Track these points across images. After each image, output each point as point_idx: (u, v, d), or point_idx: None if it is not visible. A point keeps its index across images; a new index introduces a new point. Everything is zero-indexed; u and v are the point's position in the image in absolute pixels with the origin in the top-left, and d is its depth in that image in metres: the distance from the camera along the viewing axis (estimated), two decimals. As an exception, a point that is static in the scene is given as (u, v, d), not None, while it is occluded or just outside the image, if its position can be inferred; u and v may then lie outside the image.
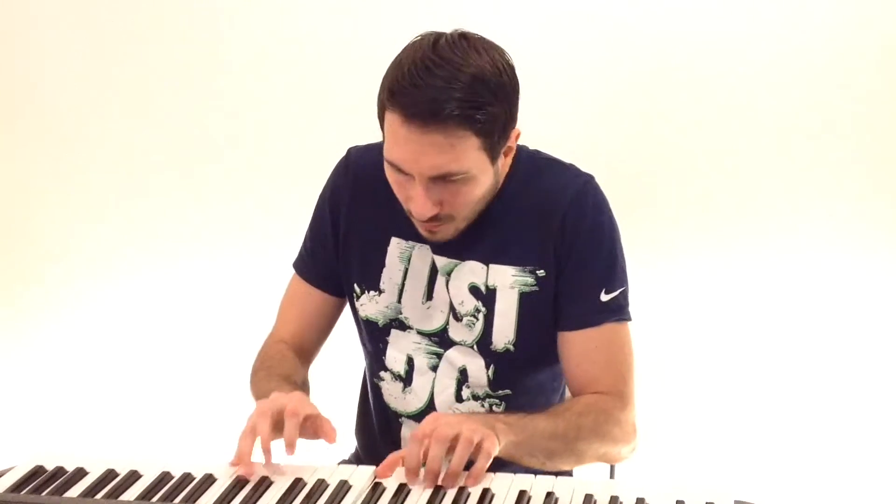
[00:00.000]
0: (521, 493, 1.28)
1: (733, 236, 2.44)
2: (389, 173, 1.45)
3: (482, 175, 1.42)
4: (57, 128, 2.70)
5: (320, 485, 1.33)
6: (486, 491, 1.29)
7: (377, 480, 1.33)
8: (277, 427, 1.36)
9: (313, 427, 1.39)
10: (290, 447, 1.34)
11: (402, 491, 1.30)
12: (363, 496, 1.30)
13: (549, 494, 1.28)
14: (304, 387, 1.57)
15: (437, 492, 1.30)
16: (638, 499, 1.26)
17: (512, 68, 1.42)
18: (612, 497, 1.26)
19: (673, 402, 2.45)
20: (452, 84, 1.33)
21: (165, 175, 2.67)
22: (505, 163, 1.48)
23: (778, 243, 2.42)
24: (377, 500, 1.29)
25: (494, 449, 1.32)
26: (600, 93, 2.42)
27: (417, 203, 1.41)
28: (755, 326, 2.45)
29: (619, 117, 2.42)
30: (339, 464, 1.52)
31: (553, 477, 1.32)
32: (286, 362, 1.60)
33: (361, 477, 1.34)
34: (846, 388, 2.43)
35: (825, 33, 2.31)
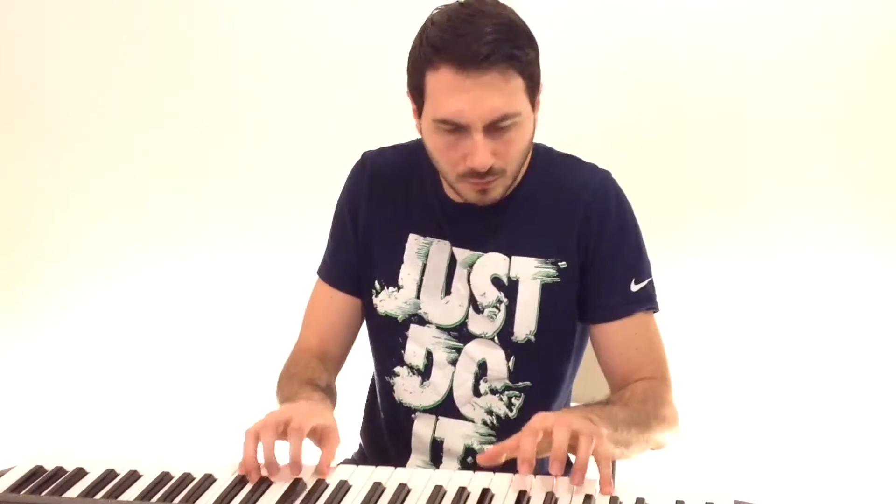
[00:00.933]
0: (521, 493, 1.28)
1: (730, 236, 2.44)
2: (438, 138, 1.46)
3: (528, 121, 1.47)
4: (57, 128, 2.70)
5: (320, 485, 1.33)
6: (486, 491, 1.29)
7: (376, 480, 1.33)
8: (283, 438, 1.36)
9: (319, 437, 1.39)
10: (295, 466, 1.33)
11: (402, 491, 1.31)
12: (363, 496, 1.30)
13: (548, 494, 1.28)
14: (328, 390, 1.58)
15: (438, 491, 1.30)
16: (638, 499, 1.26)
17: None
18: (612, 497, 1.26)
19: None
20: (493, 30, 1.39)
21: (166, 175, 2.67)
22: (535, 117, 1.51)
23: (777, 243, 2.42)
24: (377, 500, 1.29)
25: (609, 449, 1.31)
26: (601, 93, 2.42)
27: (478, 153, 1.43)
28: (755, 326, 2.45)
29: (620, 116, 2.42)
30: (339, 464, 1.52)
31: (553, 477, 1.32)
32: (310, 368, 1.61)
33: (361, 477, 1.34)
34: (846, 387, 2.43)
35: (835, 31, 2.31)
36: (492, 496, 1.29)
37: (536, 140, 1.63)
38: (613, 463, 1.77)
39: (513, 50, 1.40)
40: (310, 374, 1.58)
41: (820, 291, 2.41)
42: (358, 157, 1.70)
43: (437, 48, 1.40)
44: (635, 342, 1.56)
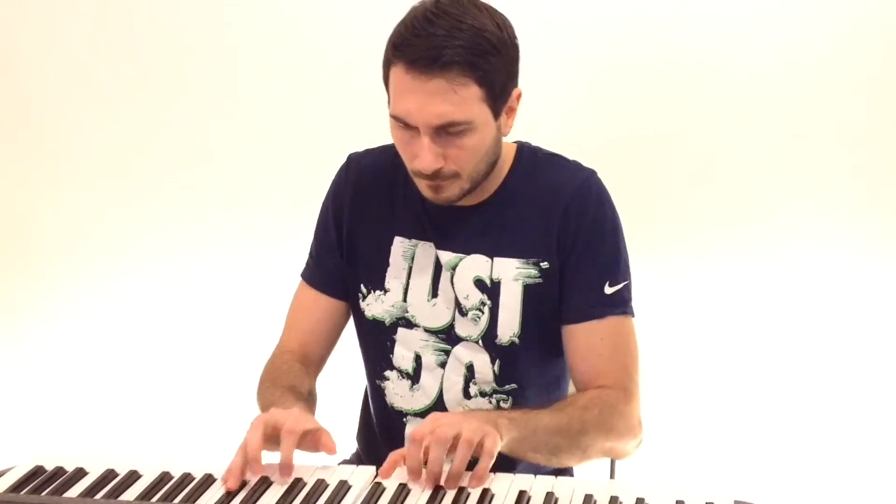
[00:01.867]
0: (521, 493, 1.28)
1: (731, 236, 2.43)
2: (396, 133, 1.46)
3: (485, 128, 1.44)
4: (57, 129, 2.70)
5: (320, 485, 1.33)
6: (485, 491, 1.29)
7: (377, 480, 1.33)
8: (272, 441, 1.36)
9: (313, 441, 1.39)
10: (286, 468, 1.33)
11: (402, 491, 1.30)
12: (363, 496, 1.30)
13: (548, 494, 1.28)
14: (310, 397, 1.57)
15: (437, 492, 1.30)
16: (638, 499, 1.26)
17: (512, 29, 1.45)
18: (612, 497, 1.26)
19: (672, 403, 2.45)
20: (453, 33, 1.37)
21: (166, 178, 2.67)
22: (507, 123, 1.50)
23: (776, 243, 2.42)
24: (377, 500, 1.29)
25: (497, 447, 1.31)
26: (599, 92, 2.42)
27: (421, 156, 1.42)
28: (755, 326, 2.45)
29: (617, 116, 2.42)
30: (339, 464, 1.52)
31: (553, 477, 1.32)
32: (291, 373, 1.60)
33: (361, 477, 1.34)
34: (846, 388, 2.43)
35: (831, 32, 2.31)
36: (492, 496, 1.29)
37: (526, 139, 1.62)
38: (613, 463, 1.77)
39: (469, 57, 1.37)
40: (291, 381, 1.57)
41: (819, 291, 2.41)
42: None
43: (395, 45, 1.40)
44: (599, 347, 1.52)
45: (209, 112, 2.61)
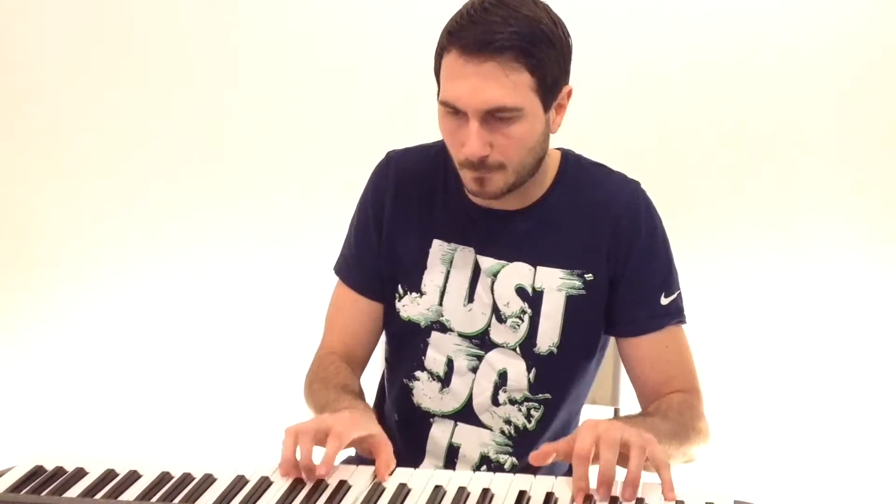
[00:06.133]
0: (521, 494, 1.28)
1: (735, 236, 2.43)
2: (444, 121, 1.46)
3: (534, 119, 1.44)
4: (58, 128, 2.70)
5: (320, 485, 1.33)
6: (486, 491, 1.29)
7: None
8: (321, 444, 1.34)
9: (372, 448, 1.38)
10: (325, 466, 1.31)
11: (402, 491, 1.31)
12: (363, 496, 1.30)
13: (548, 494, 1.28)
14: (361, 396, 1.57)
15: (437, 491, 1.30)
16: (638, 499, 1.26)
17: (566, 28, 1.45)
18: (612, 497, 1.26)
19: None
20: (509, 21, 1.38)
21: (167, 177, 2.67)
22: (556, 120, 1.49)
23: (777, 244, 2.42)
24: (377, 500, 1.29)
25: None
26: (616, 95, 2.42)
27: (469, 141, 1.42)
28: (755, 327, 2.45)
29: (634, 121, 2.42)
30: (339, 464, 1.52)
31: (553, 477, 1.32)
32: (341, 373, 1.59)
33: (361, 477, 1.34)
34: (846, 388, 2.43)
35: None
36: (492, 496, 1.29)
37: (567, 145, 1.61)
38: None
39: (523, 44, 1.38)
40: (343, 381, 1.56)
41: (821, 292, 2.41)
42: (367, 157, 1.68)
43: (450, 32, 1.41)
44: (666, 355, 1.56)
45: (214, 108, 2.61)
